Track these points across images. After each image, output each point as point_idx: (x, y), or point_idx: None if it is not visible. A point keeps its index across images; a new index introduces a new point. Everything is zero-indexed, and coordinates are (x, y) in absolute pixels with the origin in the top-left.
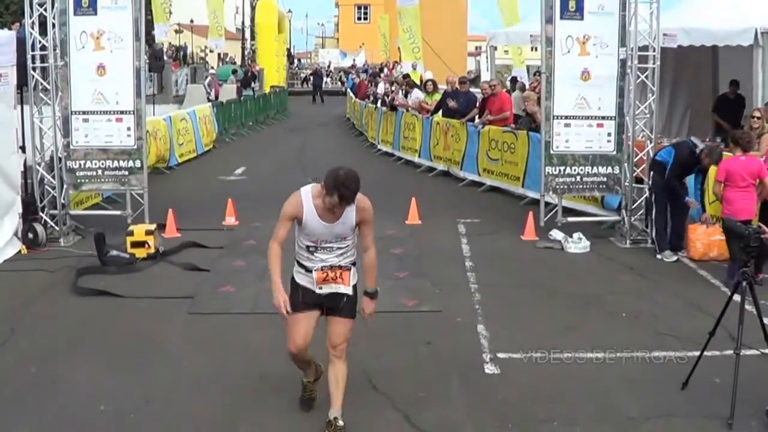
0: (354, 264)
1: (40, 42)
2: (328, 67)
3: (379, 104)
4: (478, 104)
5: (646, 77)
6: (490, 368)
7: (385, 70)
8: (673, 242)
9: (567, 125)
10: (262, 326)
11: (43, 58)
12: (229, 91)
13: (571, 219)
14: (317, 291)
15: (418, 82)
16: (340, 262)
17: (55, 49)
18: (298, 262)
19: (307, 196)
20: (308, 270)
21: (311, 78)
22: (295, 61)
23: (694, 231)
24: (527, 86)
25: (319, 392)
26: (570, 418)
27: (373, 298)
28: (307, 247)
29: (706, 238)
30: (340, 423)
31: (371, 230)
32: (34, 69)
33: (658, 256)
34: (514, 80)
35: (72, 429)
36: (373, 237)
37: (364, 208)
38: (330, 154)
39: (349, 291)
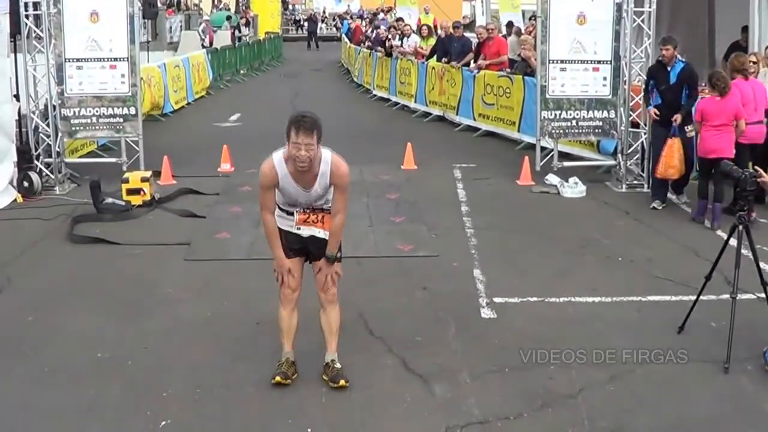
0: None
1: None
2: (323, 12)
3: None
4: (473, 48)
5: (642, 21)
6: (486, 313)
7: (380, 15)
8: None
9: (563, 69)
10: (258, 272)
11: (36, 6)
12: (223, 38)
13: (566, 163)
14: (296, 231)
15: (432, 26)
16: (322, 206)
17: None
18: (279, 207)
19: (280, 162)
20: (289, 213)
21: (306, 24)
22: (290, 6)
23: (672, 147)
24: (523, 30)
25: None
26: (566, 362)
27: (331, 263)
28: (285, 210)
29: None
30: (338, 365)
31: (344, 197)
32: (26, 17)
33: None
34: (510, 25)
35: (70, 376)
36: (344, 204)
37: (340, 174)
38: (325, 100)
39: (325, 235)
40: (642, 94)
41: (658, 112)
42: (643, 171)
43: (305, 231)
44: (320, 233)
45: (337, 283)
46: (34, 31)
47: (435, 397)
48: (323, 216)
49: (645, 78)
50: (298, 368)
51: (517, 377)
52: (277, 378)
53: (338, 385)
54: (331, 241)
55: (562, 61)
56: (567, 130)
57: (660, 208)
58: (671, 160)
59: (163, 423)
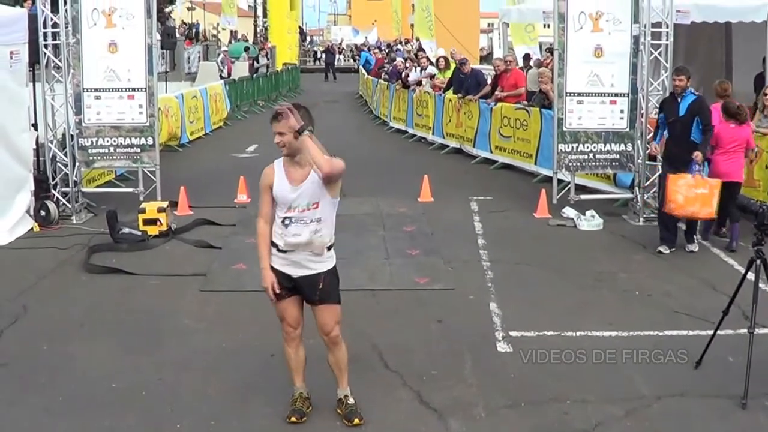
0: (330, 248)
1: (51, 19)
2: (340, 44)
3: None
4: (490, 80)
5: (659, 54)
6: (502, 346)
7: (400, 47)
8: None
9: (580, 102)
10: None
11: (55, 36)
12: (241, 69)
13: (583, 196)
14: (284, 248)
15: (449, 58)
16: (312, 239)
17: (66, 27)
18: (273, 243)
19: (279, 163)
20: (281, 250)
21: (324, 55)
22: (308, 38)
23: (675, 182)
24: (542, 63)
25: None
26: (582, 397)
27: (299, 134)
28: (283, 220)
29: (688, 191)
30: (351, 401)
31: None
32: (46, 46)
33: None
34: (526, 57)
35: (84, 406)
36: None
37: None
38: (342, 131)
39: (321, 267)
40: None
41: (657, 148)
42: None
43: (294, 258)
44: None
45: (338, 325)
46: (53, 61)
47: (450, 431)
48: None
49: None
50: (313, 401)
51: (533, 412)
52: (293, 418)
53: (353, 424)
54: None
55: (579, 94)
56: (584, 163)
57: (666, 252)
58: (673, 194)
59: None
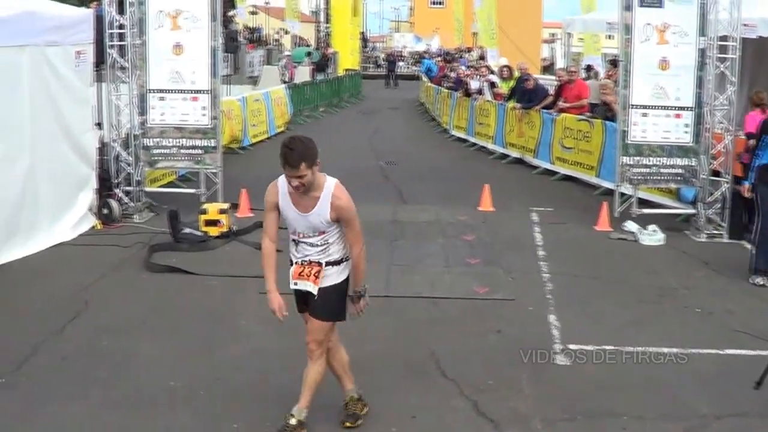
0: (339, 263)
1: (117, 21)
2: (402, 51)
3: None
4: (552, 91)
5: (726, 68)
6: (560, 359)
7: (465, 56)
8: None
9: (644, 115)
10: None
11: (121, 37)
12: (303, 73)
13: (645, 210)
14: (292, 286)
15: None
16: (319, 259)
17: (132, 28)
18: (290, 259)
19: (284, 183)
20: (296, 245)
21: (386, 62)
22: (369, 44)
23: None
24: (602, 75)
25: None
26: (639, 413)
27: (356, 301)
28: (292, 239)
29: None
30: (292, 421)
31: (352, 228)
32: (111, 47)
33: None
34: (589, 68)
35: (142, 403)
36: (356, 234)
37: (339, 206)
38: (403, 138)
39: (314, 290)
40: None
41: (749, 190)
42: (723, 221)
43: (300, 285)
44: (309, 287)
45: (318, 343)
46: (118, 62)
47: None
48: (318, 270)
49: (746, 131)
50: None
51: (589, 426)
52: None
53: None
54: (354, 275)
55: (643, 107)
56: (647, 177)
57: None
58: None
59: None
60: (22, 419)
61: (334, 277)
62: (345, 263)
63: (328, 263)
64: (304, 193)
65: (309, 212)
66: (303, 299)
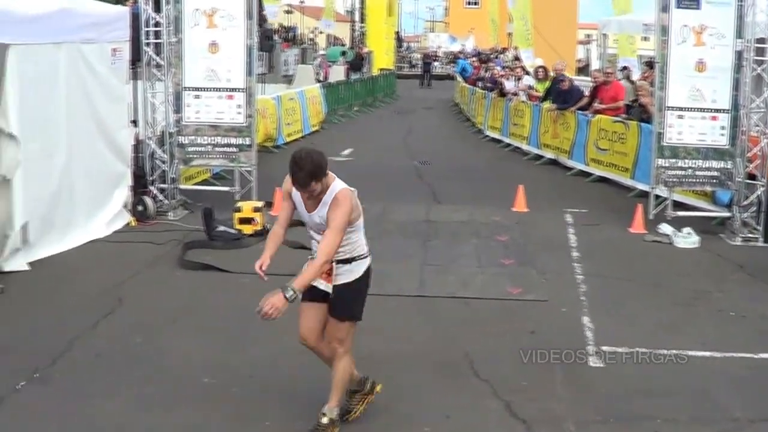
0: (349, 261)
1: (153, 18)
2: (437, 51)
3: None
4: (588, 92)
5: (763, 70)
6: (594, 361)
7: (501, 57)
8: None
9: (680, 117)
10: (365, 306)
11: (157, 35)
12: (337, 73)
13: (680, 213)
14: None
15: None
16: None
17: (168, 26)
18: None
19: None
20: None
21: (421, 63)
22: (404, 44)
23: None
24: (635, 76)
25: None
26: (673, 416)
27: (274, 293)
28: (308, 235)
29: None
30: (323, 420)
31: (331, 229)
32: (147, 45)
33: None
34: (624, 69)
35: (175, 400)
36: (333, 228)
37: (337, 203)
38: (437, 138)
39: (328, 288)
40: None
41: None
42: (758, 224)
43: (314, 283)
44: (323, 285)
45: (340, 342)
46: (154, 59)
47: None
48: (330, 269)
49: None
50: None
51: (623, 429)
52: None
53: None
54: (301, 273)
55: (680, 109)
56: (682, 179)
57: None
58: None
59: None
60: (55, 414)
61: (345, 276)
62: (356, 262)
63: (338, 261)
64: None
65: (312, 212)
66: (312, 292)
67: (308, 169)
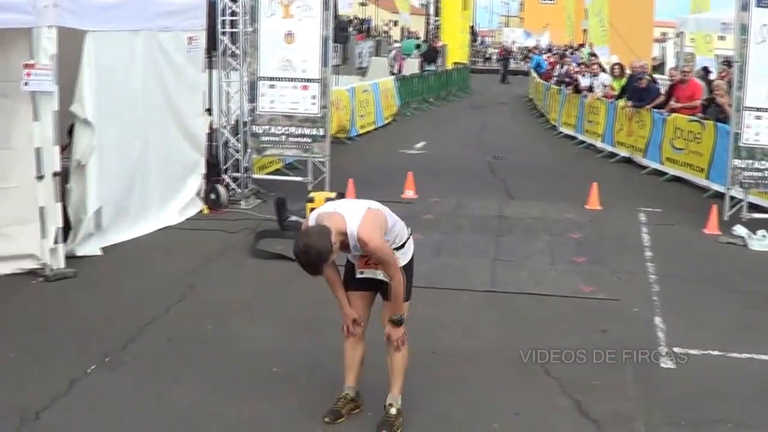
0: (400, 248)
1: (230, 8)
2: (512, 46)
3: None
4: (664, 90)
5: None
6: (665, 362)
7: (577, 53)
8: None
9: (758, 117)
10: (435, 300)
11: (233, 24)
12: (412, 66)
13: (756, 215)
14: (357, 275)
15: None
16: None
17: (244, 15)
18: None
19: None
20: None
21: (501, 59)
22: (479, 38)
23: None
24: (713, 76)
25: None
26: (745, 420)
27: (397, 326)
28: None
29: None
30: (392, 411)
31: (386, 267)
32: (223, 34)
33: None
34: (705, 69)
35: (243, 388)
36: (391, 271)
37: (368, 250)
38: (511, 134)
39: (383, 276)
40: None
41: None
42: None
43: (367, 273)
44: (380, 275)
45: (401, 341)
46: (230, 49)
47: None
48: (369, 258)
49: None
50: (363, 403)
51: None
52: (326, 418)
53: None
54: (393, 304)
55: (757, 109)
56: (758, 181)
57: None
58: None
59: None
60: (124, 399)
61: (401, 260)
62: (406, 246)
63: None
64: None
65: (348, 253)
66: (360, 282)
67: (313, 263)
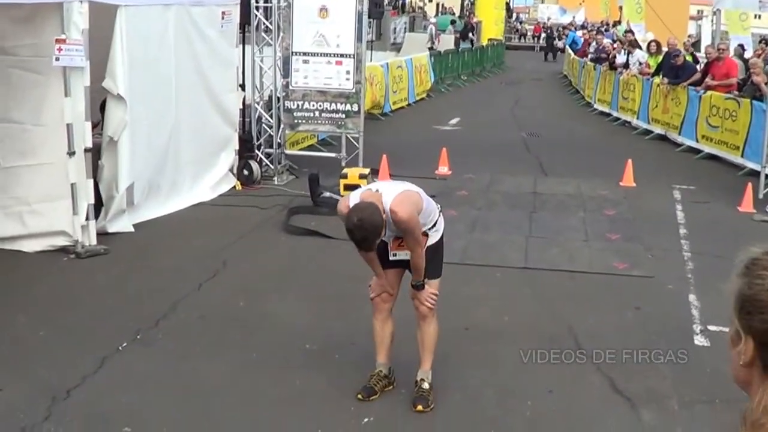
0: (430, 228)
1: None
2: (547, 22)
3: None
4: (700, 68)
5: None
6: (699, 340)
7: (612, 30)
8: None
9: None
10: (470, 277)
11: None
12: (447, 42)
13: None
14: (390, 257)
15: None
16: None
17: None
18: None
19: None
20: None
21: (544, 37)
22: (514, 15)
23: None
24: (749, 54)
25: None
26: None
27: (419, 289)
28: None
29: None
30: (425, 385)
31: (410, 238)
32: (257, 9)
33: None
34: (741, 47)
35: (276, 365)
36: (413, 244)
37: (396, 221)
38: (545, 110)
39: (408, 256)
40: None
41: None
42: None
43: (400, 255)
44: (401, 255)
45: (432, 302)
46: (263, 24)
47: (641, 422)
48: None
49: None
50: (396, 380)
51: (728, 410)
52: (359, 395)
53: (415, 409)
54: (413, 273)
55: None
56: None
57: None
58: None
59: (366, 420)
60: (156, 375)
61: (432, 237)
62: (435, 226)
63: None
64: None
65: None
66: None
67: (370, 234)
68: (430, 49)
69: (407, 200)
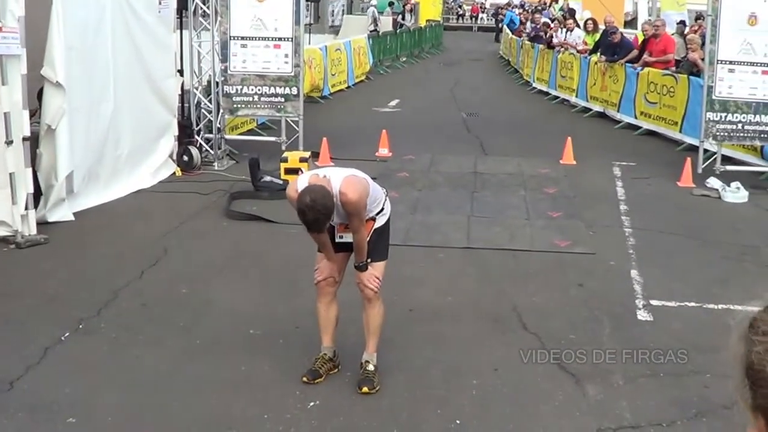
0: (382, 209)
1: None
2: (483, 2)
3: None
4: (638, 45)
5: None
6: (642, 315)
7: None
8: None
9: (731, 71)
10: (412, 258)
11: None
12: (385, 24)
13: (729, 167)
14: (337, 240)
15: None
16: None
17: None
18: None
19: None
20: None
21: (493, 17)
22: None
23: None
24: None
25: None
26: (723, 371)
27: (362, 270)
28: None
29: None
30: (370, 367)
31: (355, 218)
32: None
33: None
34: (681, 23)
35: (220, 351)
36: (357, 225)
37: (345, 202)
38: (484, 90)
39: (351, 239)
40: None
41: None
42: None
43: (347, 238)
44: (346, 238)
45: (376, 285)
46: (201, 8)
47: (587, 397)
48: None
49: None
50: (341, 362)
51: (672, 383)
52: (304, 378)
53: (360, 391)
54: (356, 254)
55: (730, 62)
56: (732, 134)
57: None
58: None
59: (312, 404)
60: (101, 364)
61: (378, 221)
62: (383, 210)
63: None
64: None
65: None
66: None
67: (321, 215)
68: (373, 32)
69: (356, 183)
